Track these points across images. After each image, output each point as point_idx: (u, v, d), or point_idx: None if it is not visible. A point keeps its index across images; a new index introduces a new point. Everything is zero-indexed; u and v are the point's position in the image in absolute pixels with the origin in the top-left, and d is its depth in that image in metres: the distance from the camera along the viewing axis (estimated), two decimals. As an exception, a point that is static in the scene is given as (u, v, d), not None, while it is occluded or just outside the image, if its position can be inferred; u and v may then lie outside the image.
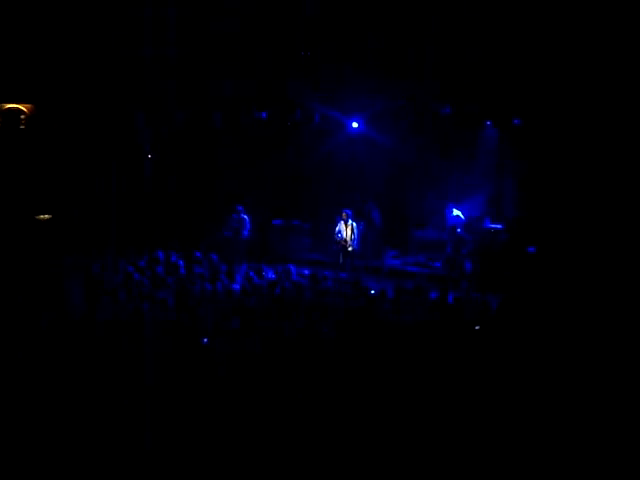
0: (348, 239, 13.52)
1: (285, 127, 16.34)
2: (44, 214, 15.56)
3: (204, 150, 16.74)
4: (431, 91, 14.34)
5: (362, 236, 14.05)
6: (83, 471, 5.18)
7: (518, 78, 13.00)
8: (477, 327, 8.38)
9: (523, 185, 14.21)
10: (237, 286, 10.36)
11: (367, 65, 14.44)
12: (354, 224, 13.62)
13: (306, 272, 11.74)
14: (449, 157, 14.95)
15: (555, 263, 11.73)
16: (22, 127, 16.07)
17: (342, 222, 13.60)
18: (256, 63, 15.05)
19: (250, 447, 5.46)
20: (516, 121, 13.92)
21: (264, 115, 16.32)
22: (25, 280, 10.43)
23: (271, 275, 11.54)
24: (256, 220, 15.22)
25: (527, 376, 6.69)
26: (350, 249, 13.57)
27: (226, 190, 16.13)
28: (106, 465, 5.25)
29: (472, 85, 13.63)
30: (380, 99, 15.05)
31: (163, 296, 9.61)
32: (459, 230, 13.32)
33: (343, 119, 15.73)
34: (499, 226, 13.89)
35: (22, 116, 16.07)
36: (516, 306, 9.51)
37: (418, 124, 15.22)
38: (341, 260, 13.66)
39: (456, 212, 13.98)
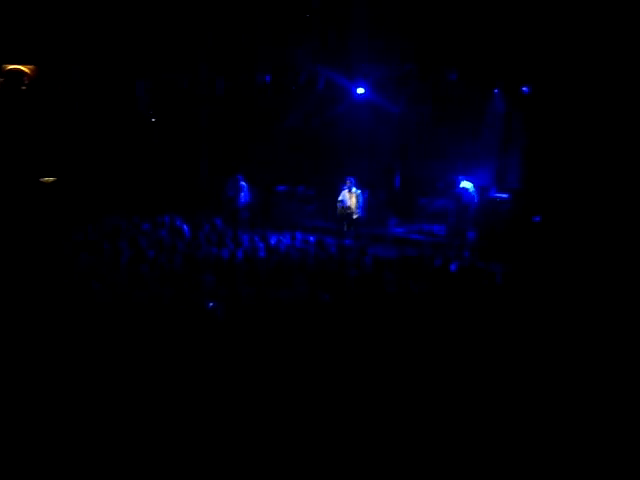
0: (353, 207, 13.47)
1: (289, 92, 16.19)
2: (48, 177, 15.53)
3: (207, 115, 16.63)
4: (438, 56, 14.15)
5: (367, 203, 14.01)
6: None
7: (528, 44, 12.81)
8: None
9: (530, 155, 14.12)
10: (239, 252, 10.37)
11: (372, 29, 14.23)
12: (359, 191, 13.55)
13: (310, 239, 11.73)
14: (456, 126, 14.83)
15: (560, 232, 11.72)
16: (24, 88, 15.92)
17: (346, 190, 13.53)
18: (259, 27, 14.84)
19: (252, 414, 5.50)
20: (525, 89, 13.75)
21: (267, 79, 16.16)
22: (29, 244, 10.44)
23: (275, 241, 11.54)
24: (260, 186, 15.17)
25: (532, 348, 6.72)
26: (355, 217, 13.53)
27: (229, 156, 16.07)
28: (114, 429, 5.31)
29: (480, 50, 13.44)
30: (386, 64, 14.88)
31: (168, 260, 9.64)
32: (465, 199, 13.26)
33: (348, 84, 15.57)
34: (505, 195, 13.84)
35: (24, 77, 15.92)
36: (521, 275, 9.52)
37: (424, 91, 15.08)
38: (345, 228, 13.64)
39: (465, 184, 13.88)
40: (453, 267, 10.15)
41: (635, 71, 11.75)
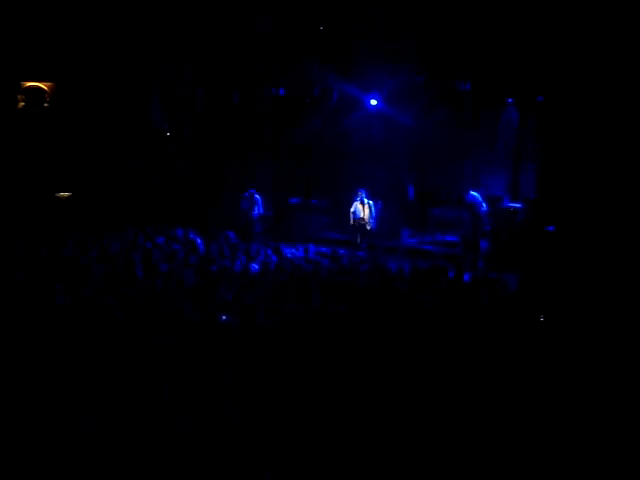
0: (365, 218, 13.50)
1: (303, 104, 16.27)
2: (64, 192, 15.72)
3: (222, 128, 16.74)
4: (451, 67, 14.17)
5: (380, 215, 14.02)
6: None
7: (541, 53, 12.78)
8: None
9: (543, 165, 14.06)
10: (254, 264, 10.42)
11: (386, 41, 14.28)
12: (371, 203, 13.59)
13: (324, 250, 11.76)
14: (469, 136, 14.81)
15: (574, 243, 11.64)
16: (44, 105, 16.18)
17: (358, 201, 13.58)
18: (273, 40, 14.95)
19: (267, 420, 5.52)
20: (539, 98, 13.73)
21: (282, 92, 16.26)
22: (43, 256, 10.56)
23: (289, 253, 11.58)
24: (273, 199, 15.24)
25: (547, 357, 6.68)
26: (368, 228, 13.56)
27: (243, 168, 16.15)
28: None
29: (493, 60, 13.44)
30: (398, 76, 14.92)
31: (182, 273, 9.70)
32: (478, 209, 13.23)
33: (361, 96, 15.62)
34: (518, 205, 13.78)
35: (43, 94, 16.18)
36: (535, 286, 9.46)
37: (438, 102, 15.08)
38: (359, 239, 13.66)
39: (473, 194, 13.87)
40: (466, 278, 10.12)
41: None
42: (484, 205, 13.14)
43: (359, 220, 13.55)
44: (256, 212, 14.45)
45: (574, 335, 7.24)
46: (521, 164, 14.72)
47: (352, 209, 13.65)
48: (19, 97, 16.12)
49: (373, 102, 15.56)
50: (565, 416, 5.63)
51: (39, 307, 7.83)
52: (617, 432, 5.38)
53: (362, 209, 13.52)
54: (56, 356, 6.52)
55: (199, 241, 11.84)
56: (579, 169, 12.87)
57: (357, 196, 13.57)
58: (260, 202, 14.51)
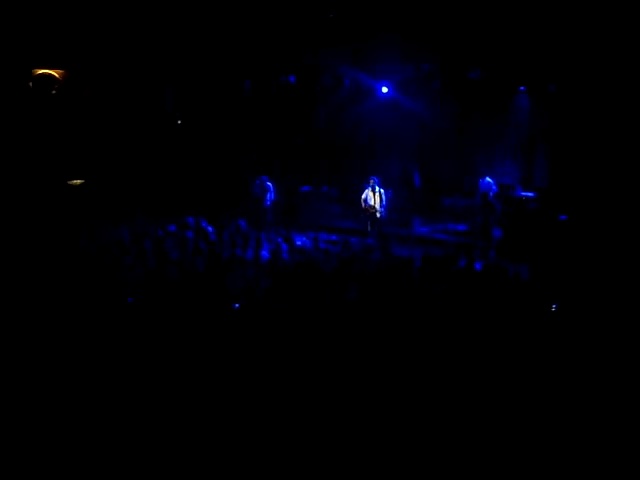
0: (377, 206, 13.48)
1: (314, 92, 16.23)
2: (76, 179, 15.78)
3: (233, 116, 16.73)
4: (462, 54, 14.08)
5: (391, 203, 13.99)
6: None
7: (553, 41, 12.67)
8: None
9: (556, 153, 13.97)
10: (265, 252, 10.43)
11: (397, 29, 14.19)
12: (382, 191, 13.56)
13: (334, 238, 11.77)
14: (481, 124, 14.76)
15: (587, 231, 11.58)
16: (54, 92, 16.19)
17: (369, 189, 13.54)
18: (285, 27, 14.88)
19: (280, 408, 5.55)
20: (551, 87, 13.61)
21: (292, 79, 16.21)
22: (56, 246, 10.61)
23: (299, 241, 11.58)
24: (284, 186, 15.23)
25: (558, 346, 6.66)
26: (378, 215, 13.53)
27: (254, 156, 16.15)
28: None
29: (505, 48, 13.34)
30: (410, 63, 14.84)
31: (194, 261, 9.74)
32: (490, 197, 13.19)
33: (373, 84, 15.56)
34: (531, 194, 13.71)
35: (54, 82, 16.20)
36: (548, 275, 9.43)
37: (449, 90, 15.02)
38: (369, 227, 13.64)
39: (488, 180, 13.81)
40: (478, 266, 10.09)
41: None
42: (494, 188, 13.17)
43: (370, 207, 13.51)
44: (268, 200, 14.44)
45: (586, 325, 7.22)
46: (533, 153, 14.65)
47: (363, 196, 13.62)
48: (30, 84, 16.14)
49: (384, 90, 15.50)
50: (575, 407, 5.63)
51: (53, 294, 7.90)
52: (628, 424, 5.38)
53: (373, 196, 13.49)
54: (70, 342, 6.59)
55: (210, 229, 11.86)
56: (591, 158, 12.79)
57: (368, 184, 13.53)
58: (272, 190, 14.50)
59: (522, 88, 14.54)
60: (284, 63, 15.86)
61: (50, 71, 16.12)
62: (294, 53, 15.37)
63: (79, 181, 15.75)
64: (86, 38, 15.03)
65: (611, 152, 12.36)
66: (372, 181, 13.52)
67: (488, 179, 13.55)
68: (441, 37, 13.87)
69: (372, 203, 13.51)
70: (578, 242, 11.26)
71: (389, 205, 13.77)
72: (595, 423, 5.38)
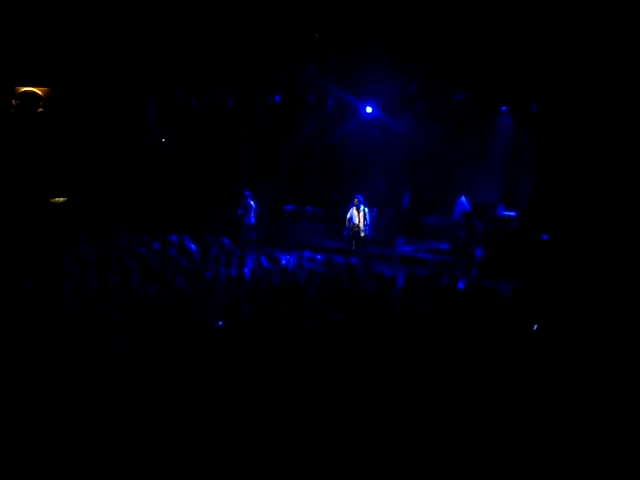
0: (360, 225, 13.52)
1: (298, 111, 16.32)
2: (59, 197, 15.71)
3: (217, 135, 16.77)
4: (446, 76, 14.26)
5: (375, 222, 14.07)
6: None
7: (535, 62, 12.87)
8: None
9: (537, 173, 14.14)
10: (248, 271, 10.42)
11: (381, 50, 14.36)
12: (366, 210, 13.62)
13: (319, 258, 11.76)
14: (464, 144, 14.90)
15: (568, 251, 11.68)
16: (38, 110, 16.17)
17: (354, 208, 13.59)
18: (269, 47, 15.02)
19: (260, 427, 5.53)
20: (533, 107, 13.82)
21: (277, 99, 16.32)
22: (37, 262, 10.54)
23: (284, 260, 11.58)
24: (269, 205, 15.26)
25: (540, 366, 6.69)
26: (362, 235, 13.57)
27: (238, 174, 16.19)
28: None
29: (488, 69, 13.53)
30: (394, 84, 14.99)
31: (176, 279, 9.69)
32: (471, 216, 13.31)
33: (357, 104, 15.69)
34: (512, 213, 13.84)
35: (38, 100, 16.18)
36: (529, 294, 9.49)
37: (433, 110, 15.18)
38: (354, 246, 13.68)
39: (463, 199, 14.03)
40: (461, 285, 10.14)
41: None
42: (467, 207, 13.35)
43: (354, 227, 13.56)
44: (251, 219, 14.46)
45: (568, 344, 7.27)
46: (516, 172, 14.82)
47: (348, 215, 13.67)
48: (14, 102, 16.10)
49: (368, 110, 15.64)
50: (556, 423, 5.65)
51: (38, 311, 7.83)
52: (607, 439, 5.41)
53: (357, 215, 13.54)
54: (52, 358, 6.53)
55: (193, 247, 11.83)
56: (573, 178, 12.94)
57: (353, 203, 13.60)
58: (255, 208, 14.52)
59: (504, 109, 14.75)
60: (269, 82, 15.95)
61: (34, 89, 16.11)
62: (279, 72, 15.49)
63: (62, 199, 15.68)
64: (70, 56, 15.06)
65: (592, 172, 12.51)
66: (357, 200, 13.58)
67: (463, 199, 13.74)
68: (425, 59, 14.04)
69: (356, 222, 13.55)
70: (560, 262, 11.35)
71: (373, 224, 13.82)
72: (574, 439, 5.40)
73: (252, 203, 14.56)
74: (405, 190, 15.60)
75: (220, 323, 7.77)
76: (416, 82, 14.96)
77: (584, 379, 6.40)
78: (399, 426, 5.59)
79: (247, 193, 14.65)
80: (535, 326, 7.87)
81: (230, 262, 10.97)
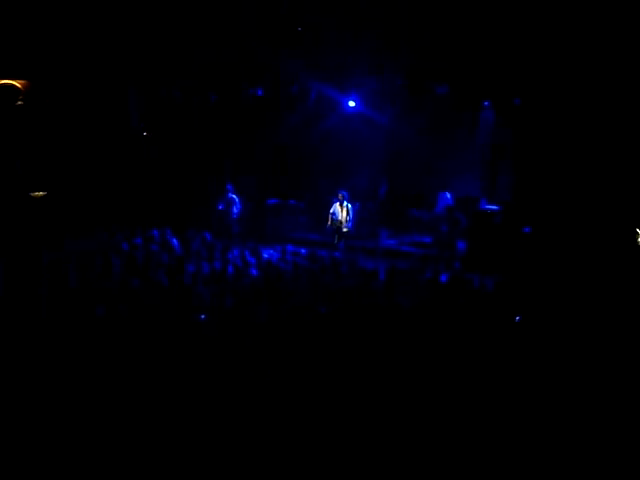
0: (343, 220, 13.53)
1: (280, 104, 16.27)
2: (39, 191, 15.52)
3: (199, 128, 16.67)
4: (428, 70, 14.28)
5: (358, 216, 14.07)
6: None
7: (518, 56, 12.91)
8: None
9: (520, 166, 14.21)
10: (230, 265, 10.37)
11: (364, 43, 14.34)
12: (349, 205, 13.62)
13: (302, 251, 11.74)
14: (447, 138, 14.94)
15: (550, 243, 11.77)
16: (17, 104, 15.95)
17: (338, 203, 13.60)
18: (251, 39, 14.93)
19: (248, 424, 5.50)
20: (515, 101, 13.88)
21: (260, 92, 16.25)
22: (17, 257, 10.42)
23: (266, 254, 11.54)
24: (251, 199, 15.21)
25: (525, 360, 6.72)
26: (345, 230, 13.58)
27: (221, 169, 16.11)
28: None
29: (470, 62, 13.55)
30: (376, 77, 14.98)
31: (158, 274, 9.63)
32: (454, 209, 13.37)
33: (339, 97, 15.67)
34: (495, 207, 13.90)
35: (17, 92, 15.96)
36: (512, 287, 9.54)
37: (415, 104, 15.20)
38: (336, 240, 13.68)
39: (447, 195, 14.09)
40: (443, 278, 10.17)
41: (626, 84, 11.86)
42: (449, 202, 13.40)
43: (337, 222, 13.56)
44: (234, 213, 14.40)
45: (550, 335, 7.31)
46: (498, 166, 14.89)
47: (331, 210, 13.67)
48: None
49: (351, 104, 15.62)
50: (541, 413, 5.68)
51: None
52: (591, 430, 5.44)
53: (341, 211, 13.54)
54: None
55: (175, 242, 11.75)
56: (555, 171, 13.02)
57: (337, 197, 13.59)
58: (237, 203, 14.46)
59: (487, 103, 14.80)
60: (251, 75, 15.87)
61: (13, 82, 15.88)
62: (261, 65, 15.41)
63: (41, 193, 15.50)
64: (50, 49, 14.86)
65: (574, 165, 12.60)
66: (341, 195, 13.58)
67: (447, 193, 13.79)
68: (409, 52, 14.04)
69: (340, 218, 13.56)
70: (542, 254, 11.43)
71: (356, 217, 13.83)
72: (557, 434, 5.43)
73: (234, 197, 14.49)
74: (381, 180, 15.61)
75: (202, 317, 7.73)
76: (399, 76, 14.96)
77: (567, 369, 6.45)
78: (385, 418, 5.59)
79: (229, 187, 14.58)
80: (517, 318, 7.91)
81: (212, 256, 10.91)
